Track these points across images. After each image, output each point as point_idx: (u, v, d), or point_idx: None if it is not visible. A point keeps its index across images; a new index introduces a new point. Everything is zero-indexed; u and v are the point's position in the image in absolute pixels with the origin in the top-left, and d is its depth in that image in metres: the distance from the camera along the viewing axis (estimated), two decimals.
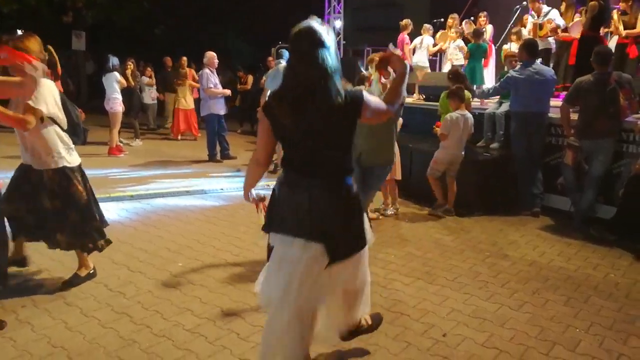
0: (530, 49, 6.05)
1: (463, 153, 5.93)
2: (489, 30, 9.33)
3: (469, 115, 5.91)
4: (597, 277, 4.22)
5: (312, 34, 2.16)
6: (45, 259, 4.25)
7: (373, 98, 2.36)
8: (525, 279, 4.16)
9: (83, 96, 17.28)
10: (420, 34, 9.98)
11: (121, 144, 9.80)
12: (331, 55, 2.17)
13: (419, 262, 4.48)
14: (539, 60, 6.83)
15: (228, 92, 9.41)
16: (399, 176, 5.97)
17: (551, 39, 8.16)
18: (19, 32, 19.24)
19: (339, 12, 12.91)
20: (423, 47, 9.79)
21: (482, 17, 9.34)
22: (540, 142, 6.02)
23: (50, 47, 9.11)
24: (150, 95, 12.31)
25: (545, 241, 5.10)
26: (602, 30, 7.28)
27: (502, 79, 6.42)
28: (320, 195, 2.29)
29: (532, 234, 5.32)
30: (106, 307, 3.52)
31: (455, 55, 9.20)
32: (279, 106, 2.24)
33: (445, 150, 5.89)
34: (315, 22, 2.19)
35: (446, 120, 5.84)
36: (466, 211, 5.96)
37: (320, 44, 2.15)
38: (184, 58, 11.87)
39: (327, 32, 2.21)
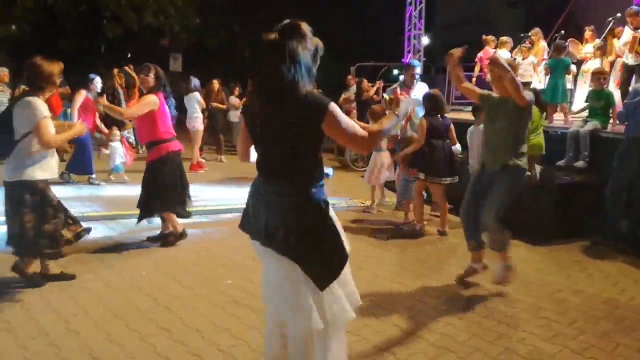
0: None
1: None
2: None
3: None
4: None
5: (297, 28, 2.18)
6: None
7: (346, 118, 2.22)
8: (597, 319, 3.71)
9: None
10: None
11: (202, 161, 10.22)
12: (307, 56, 2.19)
13: None
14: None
15: None
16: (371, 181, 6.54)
17: None
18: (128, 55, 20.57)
19: (420, 29, 12.58)
20: None
21: (589, 32, 8.71)
22: None
23: (127, 68, 9.79)
24: (237, 114, 12.70)
25: (628, 276, 4.56)
26: None
27: (626, 99, 5.74)
28: (277, 204, 2.26)
29: (615, 268, 4.78)
30: (148, 320, 3.60)
31: (528, 72, 8.68)
32: (253, 100, 2.31)
33: None
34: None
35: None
36: (541, 239, 5.48)
37: (303, 42, 2.17)
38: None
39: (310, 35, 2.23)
